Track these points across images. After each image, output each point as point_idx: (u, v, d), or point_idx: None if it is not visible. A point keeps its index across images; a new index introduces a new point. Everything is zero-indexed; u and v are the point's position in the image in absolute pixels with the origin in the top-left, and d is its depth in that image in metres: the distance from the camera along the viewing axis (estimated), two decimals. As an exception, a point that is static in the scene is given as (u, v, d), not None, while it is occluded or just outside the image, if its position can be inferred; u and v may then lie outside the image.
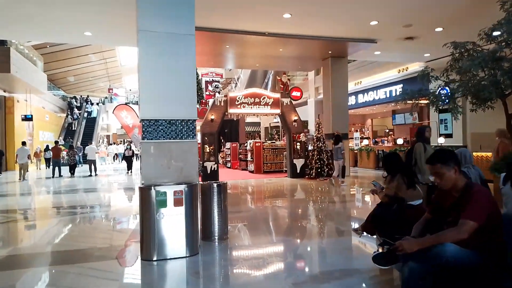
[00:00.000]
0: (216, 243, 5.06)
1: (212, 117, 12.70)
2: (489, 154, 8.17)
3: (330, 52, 13.25)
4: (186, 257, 4.38)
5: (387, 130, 22.47)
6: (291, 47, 12.55)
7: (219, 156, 22.98)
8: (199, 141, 12.75)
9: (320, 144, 13.17)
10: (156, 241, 4.30)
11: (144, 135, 4.74)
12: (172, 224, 4.37)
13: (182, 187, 4.45)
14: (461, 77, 7.32)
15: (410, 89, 7.39)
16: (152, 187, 4.36)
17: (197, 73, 23.05)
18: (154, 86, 4.80)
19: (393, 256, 2.45)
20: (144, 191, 4.38)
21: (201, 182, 5.29)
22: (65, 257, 4.81)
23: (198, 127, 14.75)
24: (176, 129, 4.86)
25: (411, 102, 7.32)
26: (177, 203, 4.41)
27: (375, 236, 4.14)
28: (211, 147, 12.68)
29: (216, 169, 12.67)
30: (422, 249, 2.31)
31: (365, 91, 20.36)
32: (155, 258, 4.29)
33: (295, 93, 14.19)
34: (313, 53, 13.55)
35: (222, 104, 12.90)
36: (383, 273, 3.73)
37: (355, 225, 5.64)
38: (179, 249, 4.39)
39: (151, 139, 4.74)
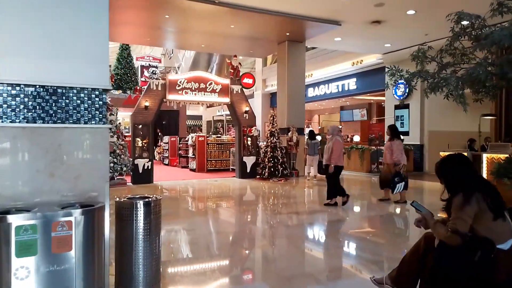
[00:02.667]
0: (141, 300, 3.00)
1: (147, 103, 10.34)
2: (501, 155, 7.02)
3: (287, 34, 11.55)
4: None
5: (341, 127, 21.57)
6: (244, 24, 10.63)
7: (155, 152, 20.42)
8: (129, 133, 10.35)
9: (274, 140, 11.46)
10: (12, 324, 2.15)
11: None
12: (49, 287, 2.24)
13: (71, 215, 2.33)
14: (454, 60, 5.97)
15: (407, 70, 5.85)
16: (7, 216, 2.19)
17: (131, 56, 20.20)
18: (18, 20, 2.60)
19: None
20: (-12, 224, 2.19)
21: (124, 197, 3.18)
22: None
23: (120, 113, 12.22)
24: (68, 104, 2.71)
25: (410, 84, 5.76)
26: (60, 245, 2.28)
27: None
28: (144, 141, 10.33)
29: (150, 167, 10.37)
30: None
31: (316, 84, 19.15)
32: None
33: (247, 80, 12.31)
34: (268, 34, 11.76)
35: (160, 88, 10.59)
36: None
37: (377, 272, 3.90)
38: (62, 335, 2.27)
39: (13, 122, 2.54)
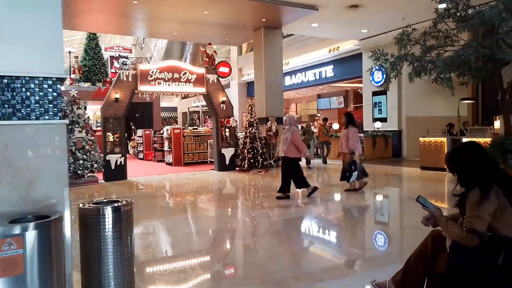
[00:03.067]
0: (113, 319, 2.63)
1: (117, 95, 9.75)
2: (481, 139, 6.94)
3: (264, 20, 11.15)
4: None
5: (319, 115, 21.48)
6: (218, 10, 10.16)
7: (129, 146, 19.66)
8: (100, 127, 9.76)
9: (253, 130, 11.12)
10: None
11: None
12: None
13: (22, 230, 1.93)
14: (438, 43, 5.81)
15: (392, 54, 5.61)
16: None
17: (99, 46, 19.26)
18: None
19: None
20: None
21: (88, 203, 2.78)
22: None
23: (90, 107, 11.54)
24: (15, 97, 2.27)
25: (396, 68, 5.52)
26: (8, 267, 1.89)
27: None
28: (116, 135, 9.76)
29: (123, 163, 9.83)
30: None
31: (292, 72, 18.88)
32: None
33: (223, 69, 11.84)
34: (243, 21, 11.33)
35: (130, 79, 10.00)
36: None
37: (379, 276, 3.63)
38: None
39: None
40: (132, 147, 18.84)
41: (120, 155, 9.76)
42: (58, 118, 2.38)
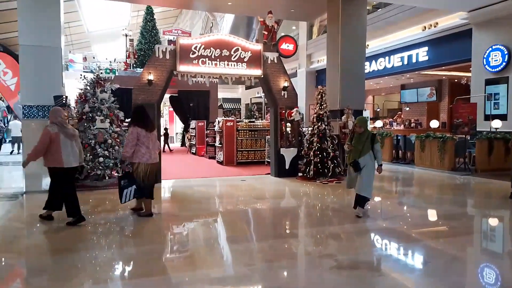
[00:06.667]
0: None
1: (150, 77, 7.74)
2: None
3: (343, -21, 8.37)
4: None
5: (407, 108, 17.93)
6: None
7: (186, 138, 18.12)
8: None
9: (323, 126, 8.45)
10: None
11: None
12: None
13: None
14: None
15: None
16: None
17: (156, 29, 17.83)
18: None
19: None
20: None
21: None
22: None
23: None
24: None
25: None
26: None
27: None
28: (148, 127, 7.78)
29: (156, 162, 7.82)
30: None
31: (372, 57, 15.60)
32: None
33: (286, 46, 9.24)
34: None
35: (168, 57, 7.96)
36: None
37: None
38: None
39: None
40: (188, 139, 17.26)
41: (152, 152, 7.76)
42: None
